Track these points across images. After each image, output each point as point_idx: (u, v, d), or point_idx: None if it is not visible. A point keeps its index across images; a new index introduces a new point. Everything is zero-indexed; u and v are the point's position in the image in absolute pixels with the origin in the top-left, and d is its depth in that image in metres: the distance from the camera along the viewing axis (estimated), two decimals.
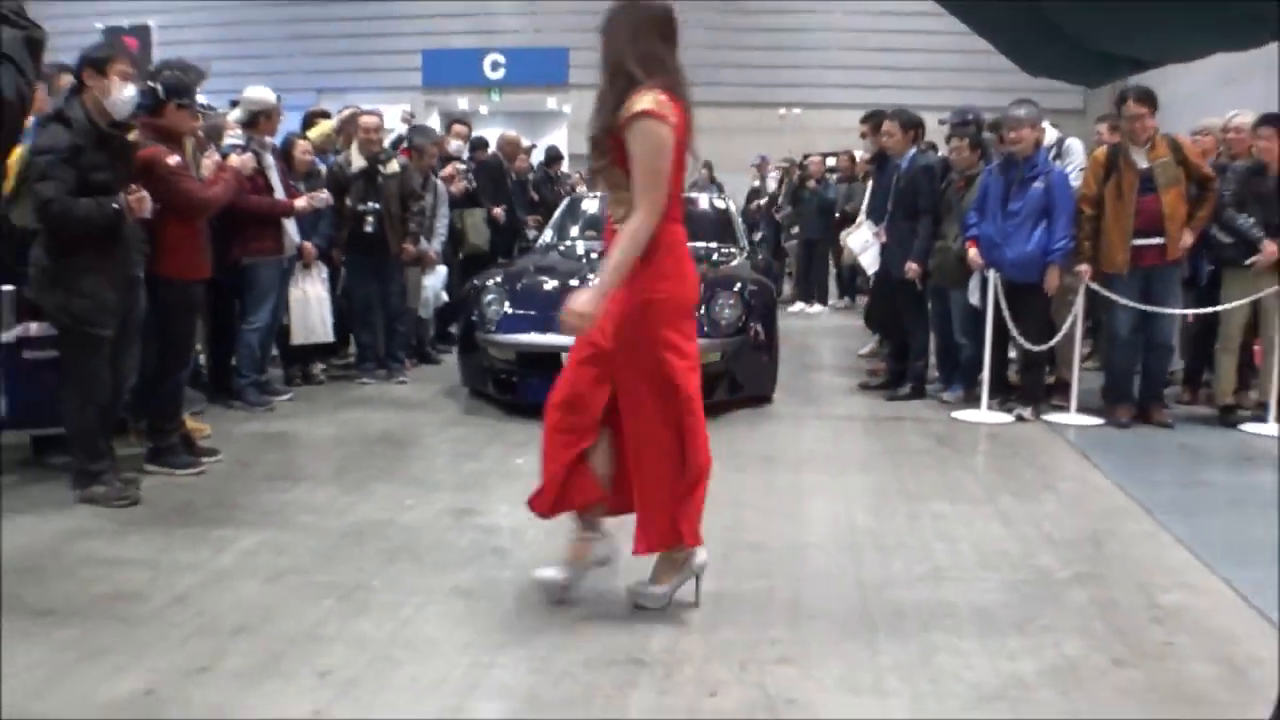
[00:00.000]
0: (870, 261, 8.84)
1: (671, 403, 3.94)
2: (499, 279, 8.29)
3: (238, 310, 7.77)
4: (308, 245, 8.04)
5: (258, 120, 7.70)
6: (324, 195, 8.00)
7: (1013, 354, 8.14)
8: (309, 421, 7.35)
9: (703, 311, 7.52)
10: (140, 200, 5.27)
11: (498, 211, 11.02)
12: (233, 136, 7.60)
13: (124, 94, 5.28)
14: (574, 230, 10.38)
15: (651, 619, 4.05)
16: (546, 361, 7.19)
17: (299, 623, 3.97)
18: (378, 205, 8.54)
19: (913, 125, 8.36)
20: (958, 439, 7.16)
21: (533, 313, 7.74)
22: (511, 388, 7.73)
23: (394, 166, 8.76)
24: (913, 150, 8.30)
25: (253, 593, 4.25)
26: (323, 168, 8.52)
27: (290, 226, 7.82)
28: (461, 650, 3.76)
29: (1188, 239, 7.35)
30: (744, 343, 7.80)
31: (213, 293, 7.21)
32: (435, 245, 9.44)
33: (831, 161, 14.87)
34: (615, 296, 3.85)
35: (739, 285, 8.08)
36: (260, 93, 7.83)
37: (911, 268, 8.14)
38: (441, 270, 9.59)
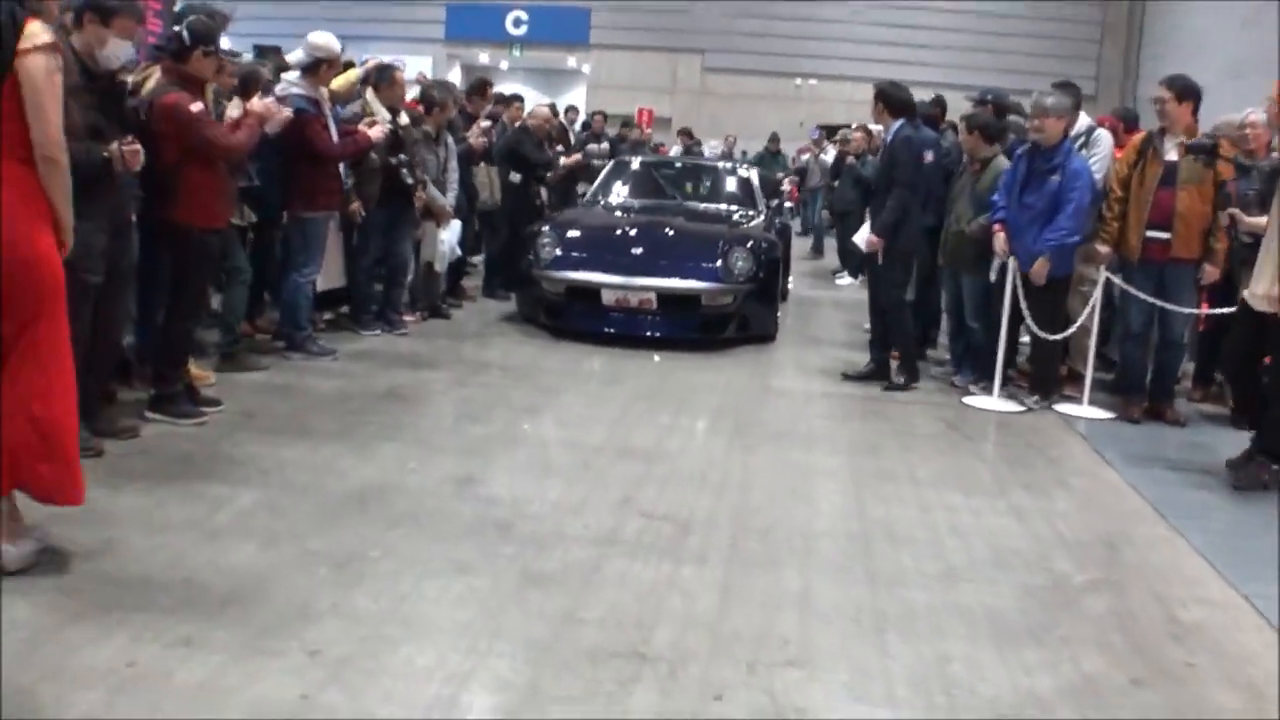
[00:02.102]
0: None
1: None
2: (552, 226, 9.46)
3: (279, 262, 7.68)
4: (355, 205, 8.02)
5: (319, 67, 7.37)
6: (383, 125, 7.85)
7: (1024, 338, 7.86)
8: (316, 374, 7.06)
9: (720, 263, 8.86)
10: (134, 153, 4.89)
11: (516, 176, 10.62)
12: (296, 86, 7.25)
13: (119, 50, 4.94)
14: (616, 187, 11.43)
15: (656, 609, 3.80)
16: (589, 294, 8.81)
17: (291, 594, 3.72)
18: (406, 156, 8.27)
19: (887, 100, 7.73)
20: (968, 425, 6.88)
21: (579, 254, 9.03)
22: (560, 314, 8.99)
23: (404, 119, 8.49)
24: (898, 122, 7.70)
25: (246, 558, 4.00)
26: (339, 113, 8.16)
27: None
28: (459, 632, 3.51)
29: (1212, 274, 7.07)
30: (753, 290, 8.92)
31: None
32: (450, 199, 9.13)
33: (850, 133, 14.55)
34: None
35: (751, 242, 9.21)
36: (325, 39, 7.42)
37: (870, 240, 7.74)
38: (456, 224, 9.28)
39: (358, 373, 7.17)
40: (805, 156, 19.54)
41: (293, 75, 7.44)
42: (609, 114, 17.96)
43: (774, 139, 19.88)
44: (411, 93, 9.89)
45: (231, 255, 6.81)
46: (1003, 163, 7.73)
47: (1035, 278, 7.16)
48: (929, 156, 8.07)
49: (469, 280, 10.97)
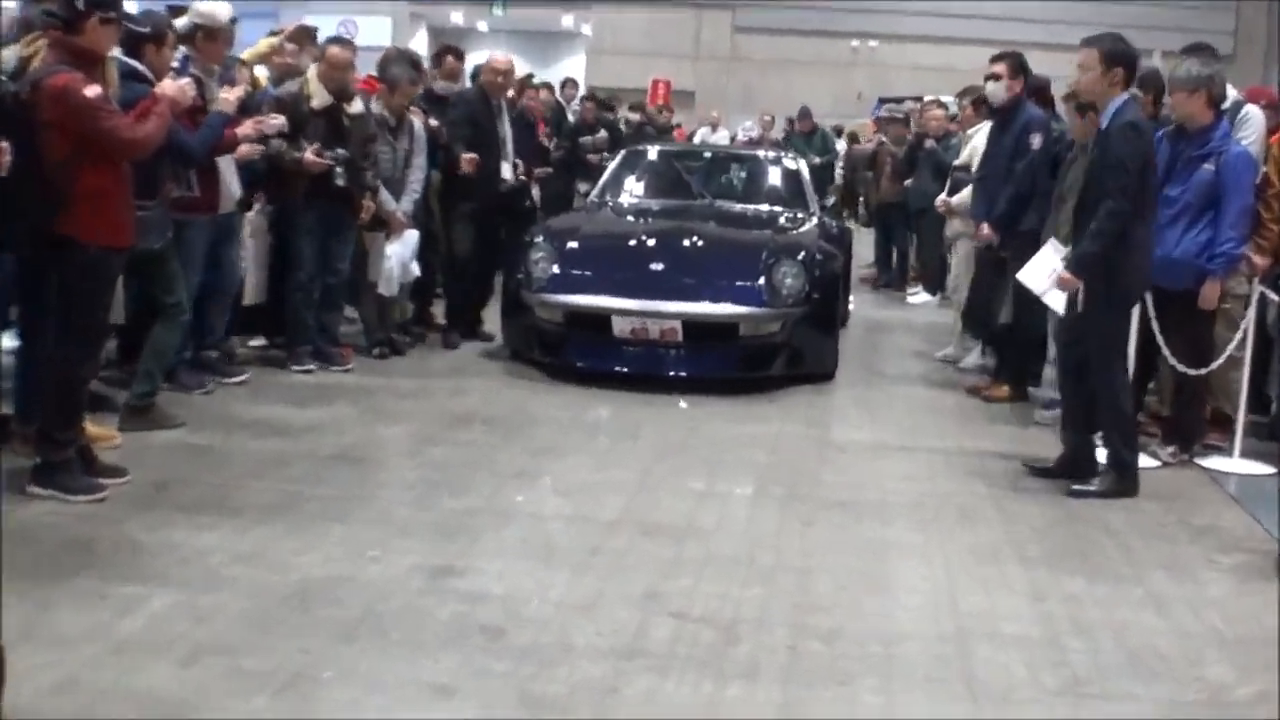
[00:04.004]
0: (1059, 302, 6.88)
1: None
2: (547, 236, 9.44)
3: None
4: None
5: (196, 36, 7.39)
6: (278, 120, 7.76)
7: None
8: (245, 432, 7.02)
9: (763, 280, 8.80)
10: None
11: (468, 158, 9.53)
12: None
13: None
14: (628, 184, 11.41)
15: None
16: (595, 323, 8.73)
17: None
18: (346, 152, 8.24)
19: (1120, 60, 6.43)
20: None
21: (582, 272, 9.02)
22: (559, 349, 8.97)
23: (358, 106, 8.51)
24: (1121, 98, 6.45)
25: (161, 680, 3.95)
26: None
27: (230, 175, 7.58)
28: None
29: None
30: (806, 314, 8.87)
31: None
32: (406, 205, 9.03)
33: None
34: None
35: (803, 253, 9.21)
36: (211, 7, 7.48)
37: (1064, 277, 6.59)
38: (411, 236, 9.13)
39: (297, 428, 7.15)
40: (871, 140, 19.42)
41: None
42: (615, 88, 17.91)
43: (804, 114, 19.61)
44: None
45: (169, 287, 6.82)
46: None
47: (1205, 303, 7.08)
48: (1035, 142, 8.02)
49: (439, 305, 10.90)
